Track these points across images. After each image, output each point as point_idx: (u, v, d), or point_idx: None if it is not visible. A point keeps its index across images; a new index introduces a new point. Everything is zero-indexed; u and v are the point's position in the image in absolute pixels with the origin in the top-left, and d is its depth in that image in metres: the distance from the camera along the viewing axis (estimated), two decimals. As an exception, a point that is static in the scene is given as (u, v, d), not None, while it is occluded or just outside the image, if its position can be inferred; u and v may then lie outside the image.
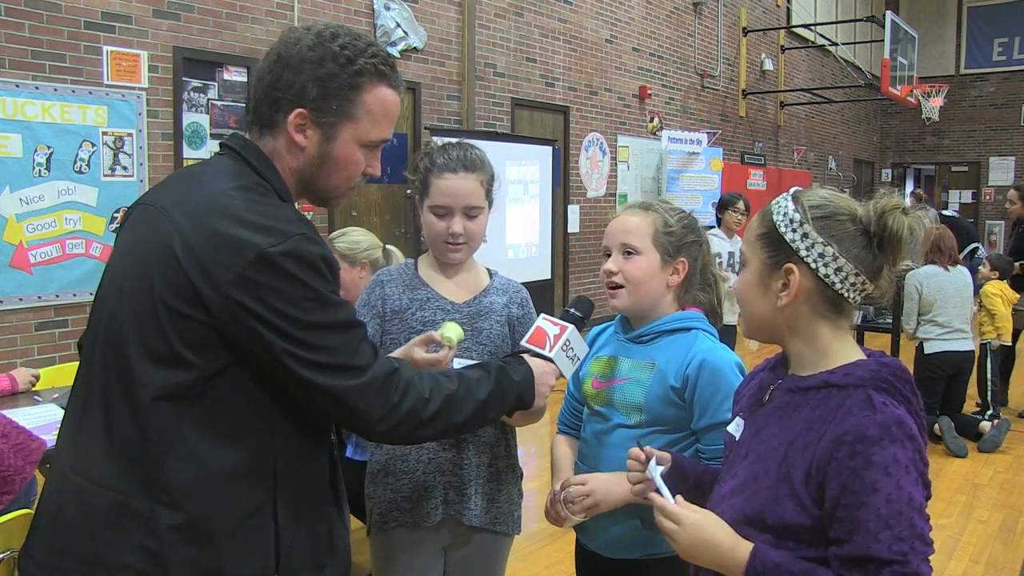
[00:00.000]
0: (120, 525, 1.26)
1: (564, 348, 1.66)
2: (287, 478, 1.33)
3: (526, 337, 1.70)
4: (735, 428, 1.47)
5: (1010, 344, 6.02)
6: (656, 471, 1.43)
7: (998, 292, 5.88)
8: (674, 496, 1.37)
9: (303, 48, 1.36)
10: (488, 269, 2.10)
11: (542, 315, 1.74)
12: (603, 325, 2.02)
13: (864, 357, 1.34)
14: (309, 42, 1.36)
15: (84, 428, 1.32)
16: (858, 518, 1.19)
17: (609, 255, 1.86)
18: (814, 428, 1.27)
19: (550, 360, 1.64)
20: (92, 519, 1.28)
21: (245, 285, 1.24)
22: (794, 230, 1.32)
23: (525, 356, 1.64)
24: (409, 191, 2.08)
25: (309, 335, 1.28)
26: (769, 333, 1.40)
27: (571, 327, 1.69)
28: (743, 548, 1.27)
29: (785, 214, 1.34)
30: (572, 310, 1.78)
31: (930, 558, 1.22)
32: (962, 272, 5.58)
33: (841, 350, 1.35)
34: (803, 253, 1.31)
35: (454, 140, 2.03)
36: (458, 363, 1.91)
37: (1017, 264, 6.26)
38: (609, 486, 1.76)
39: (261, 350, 1.27)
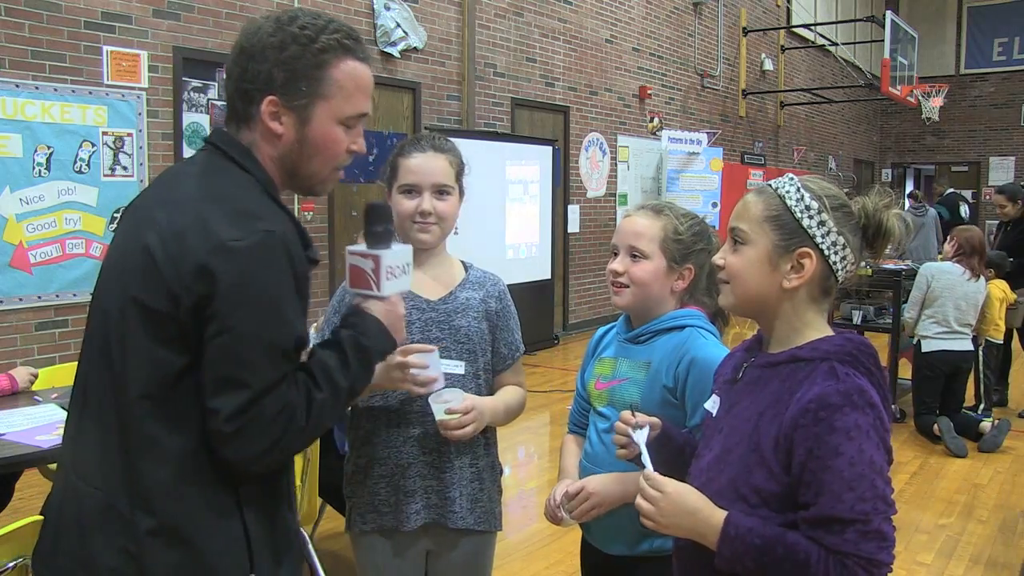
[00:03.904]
0: (107, 527, 1.26)
1: (388, 275, 1.50)
2: (252, 482, 1.32)
3: (347, 281, 1.55)
4: (712, 405, 1.53)
5: (1001, 343, 6.01)
6: (642, 438, 1.49)
7: (1000, 296, 5.87)
8: (655, 470, 1.43)
9: (263, 36, 1.34)
10: (463, 262, 2.05)
11: (348, 249, 1.55)
12: (608, 326, 2.01)
13: (833, 334, 1.41)
14: (269, 29, 1.35)
15: (82, 428, 1.33)
16: (823, 481, 1.26)
17: (617, 253, 1.86)
18: (782, 399, 1.34)
19: (385, 298, 1.51)
20: (84, 520, 1.28)
21: (204, 277, 1.23)
22: (811, 216, 1.38)
23: (366, 304, 1.50)
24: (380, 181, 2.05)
25: (241, 342, 1.24)
26: (758, 311, 1.45)
27: (382, 253, 1.50)
28: (718, 515, 1.33)
29: (801, 199, 1.39)
30: (372, 228, 1.55)
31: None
32: (981, 284, 5.52)
33: (815, 327, 1.42)
34: (819, 240, 1.38)
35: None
36: (442, 369, 1.87)
37: (1009, 260, 6.24)
38: (607, 485, 1.78)
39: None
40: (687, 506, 1.36)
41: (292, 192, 1.49)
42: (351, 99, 1.39)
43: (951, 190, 11.41)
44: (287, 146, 1.38)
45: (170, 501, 1.26)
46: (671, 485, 1.38)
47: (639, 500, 1.40)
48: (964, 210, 10.93)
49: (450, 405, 1.82)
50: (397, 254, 1.52)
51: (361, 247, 1.52)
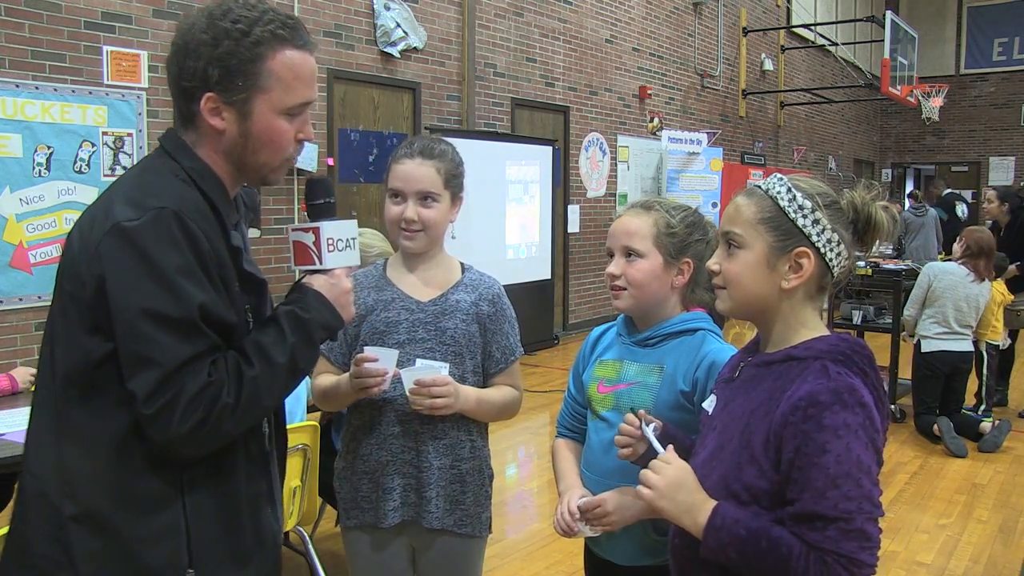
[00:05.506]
0: (39, 514, 1.29)
1: (331, 247, 1.48)
2: (195, 472, 1.31)
3: (293, 259, 1.54)
4: (709, 404, 1.54)
5: (999, 343, 6.01)
6: (650, 431, 1.53)
7: (1000, 299, 5.86)
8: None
9: (196, 32, 1.33)
10: (462, 264, 2.06)
11: (289, 227, 1.55)
12: (604, 326, 1.97)
13: (828, 333, 1.42)
14: (202, 25, 1.33)
15: (30, 418, 1.36)
16: (808, 478, 1.26)
17: (613, 256, 1.82)
18: (774, 397, 1.35)
19: (329, 271, 1.49)
20: (23, 508, 1.32)
21: (96, 259, 1.25)
22: (805, 216, 1.38)
23: (308, 279, 1.48)
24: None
25: (138, 321, 1.24)
26: (757, 312, 1.45)
27: (321, 224, 1.49)
28: (709, 504, 1.35)
29: (793, 199, 1.39)
30: (313, 202, 1.56)
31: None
32: (985, 286, 5.50)
33: (810, 326, 1.43)
34: (815, 239, 1.38)
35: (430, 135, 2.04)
36: (420, 362, 1.90)
37: (1013, 265, 6.24)
38: (624, 504, 1.71)
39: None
40: (686, 484, 1.37)
41: (249, 184, 1.48)
42: (291, 89, 1.37)
43: (948, 191, 11.66)
44: (231, 141, 1.37)
45: (93, 487, 1.27)
46: (679, 460, 1.40)
47: (644, 471, 1.41)
48: (961, 210, 11.00)
49: (420, 375, 1.84)
50: (339, 227, 1.51)
51: (303, 224, 1.52)
